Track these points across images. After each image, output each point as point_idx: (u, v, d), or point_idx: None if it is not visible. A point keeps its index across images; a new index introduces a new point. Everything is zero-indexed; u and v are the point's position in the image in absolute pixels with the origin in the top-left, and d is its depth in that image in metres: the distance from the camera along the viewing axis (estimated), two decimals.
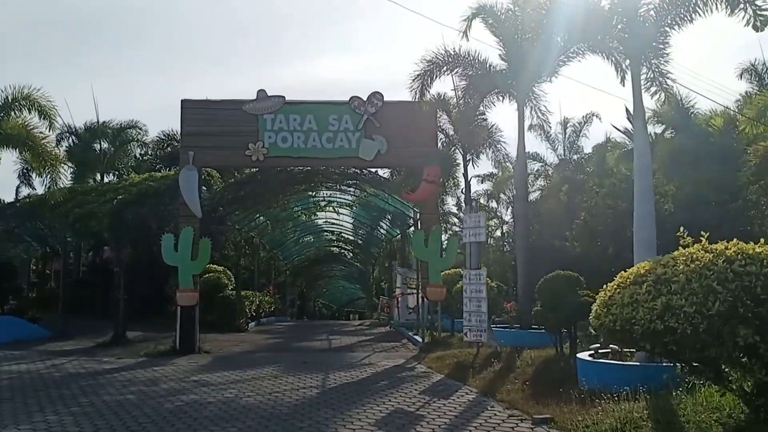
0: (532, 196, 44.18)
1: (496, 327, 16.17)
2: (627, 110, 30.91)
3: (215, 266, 23.74)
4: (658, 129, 27.46)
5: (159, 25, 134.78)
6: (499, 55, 16.70)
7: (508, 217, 47.16)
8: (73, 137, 34.67)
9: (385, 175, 21.34)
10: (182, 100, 17.18)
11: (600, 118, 34.73)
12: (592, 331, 14.65)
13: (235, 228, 23.21)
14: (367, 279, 53.21)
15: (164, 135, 32.72)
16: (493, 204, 47.20)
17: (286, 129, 17.06)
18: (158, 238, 16.97)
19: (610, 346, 10.87)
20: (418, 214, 20.24)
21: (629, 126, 30.37)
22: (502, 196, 44.91)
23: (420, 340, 18.25)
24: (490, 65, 16.83)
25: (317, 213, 26.47)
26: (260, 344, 19.49)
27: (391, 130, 17.08)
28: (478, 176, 42.62)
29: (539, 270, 17.41)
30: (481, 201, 42.96)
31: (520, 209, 16.64)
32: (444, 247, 17.48)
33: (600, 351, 10.90)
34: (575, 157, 36.94)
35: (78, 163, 34.18)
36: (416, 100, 16.58)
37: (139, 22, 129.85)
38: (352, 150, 17.06)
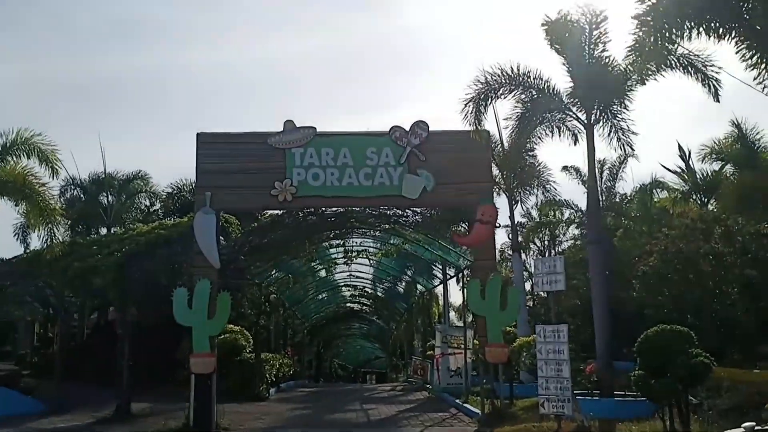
0: (565, 245, 41.79)
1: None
2: (680, 147, 28.73)
3: (232, 326, 21.15)
4: (716, 166, 25.24)
5: (178, 90, 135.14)
6: (568, 71, 14.46)
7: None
8: (78, 189, 32.70)
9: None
10: (198, 134, 15.00)
11: (638, 159, 32.23)
12: (692, 399, 12.04)
13: (254, 282, 20.73)
14: (388, 337, 50.19)
15: (175, 187, 30.62)
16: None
17: (318, 164, 14.80)
18: (169, 295, 14.47)
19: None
20: (465, 262, 17.78)
21: (682, 164, 28.18)
22: (531, 246, 42.41)
23: (475, 410, 15.50)
24: (553, 87, 14.59)
25: (349, 263, 23.95)
26: (287, 417, 16.76)
27: (439, 163, 14.80)
28: (499, 226, 39.78)
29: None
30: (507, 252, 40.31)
31: (596, 253, 14.11)
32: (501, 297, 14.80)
33: (756, 429, 8.24)
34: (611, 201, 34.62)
35: (82, 216, 32.17)
36: (472, 127, 14.29)
37: (156, 87, 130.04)
38: (394, 187, 14.75)
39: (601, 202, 34.07)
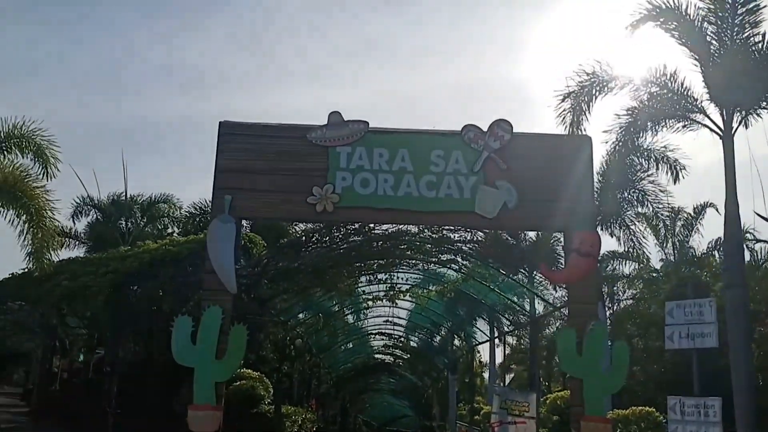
0: (624, 303, 37.67)
1: None
2: None
3: (250, 371, 17.73)
4: None
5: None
6: (699, 66, 11.13)
7: None
8: (96, 211, 30.20)
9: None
10: (221, 122, 11.87)
11: (717, 209, 28.46)
12: None
13: (279, 320, 17.36)
14: (420, 395, 46.03)
15: (197, 208, 27.72)
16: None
17: (368, 168, 11.52)
18: (172, 324, 11.16)
19: None
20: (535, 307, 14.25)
21: None
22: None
23: None
24: (681, 83, 11.25)
25: (393, 304, 20.37)
26: None
27: (524, 175, 11.42)
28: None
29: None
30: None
31: (738, 301, 10.47)
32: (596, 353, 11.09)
33: None
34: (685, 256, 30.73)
35: (99, 240, 29.57)
36: (569, 129, 10.97)
37: (196, 131, 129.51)
38: (465, 202, 11.35)
39: (674, 257, 30.60)
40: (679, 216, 30.10)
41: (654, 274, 31.11)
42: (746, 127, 11.01)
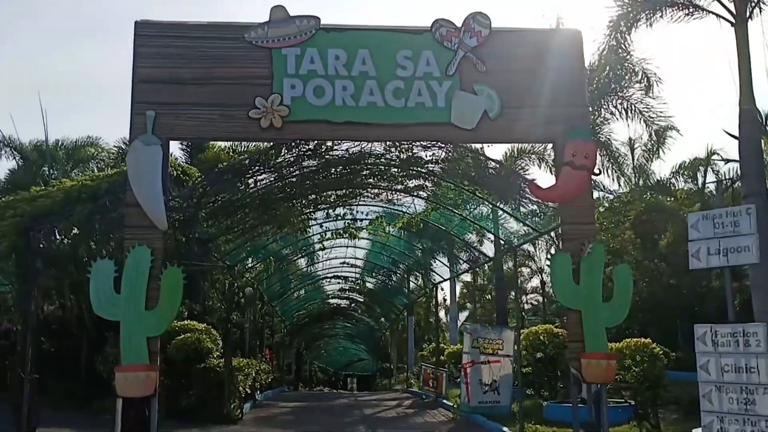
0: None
1: None
2: None
3: (194, 323, 15.82)
4: None
5: None
6: None
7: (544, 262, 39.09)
8: (16, 154, 27.52)
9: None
10: (137, 22, 9.66)
11: (680, 131, 27.30)
12: None
13: (225, 264, 15.43)
14: (377, 338, 45.05)
15: (126, 143, 25.29)
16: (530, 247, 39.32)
17: (323, 74, 9.54)
18: (89, 272, 9.12)
19: None
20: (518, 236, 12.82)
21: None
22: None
23: None
24: None
25: (355, 237, 18.48)
26: None
27: (507, 77, 9.70)
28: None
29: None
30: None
31: (758, 210, 9.02)
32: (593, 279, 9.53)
33: None
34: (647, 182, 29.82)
35: (19, 187, 26.89)
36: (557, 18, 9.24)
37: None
38: (439, 111, 9.57)
39: (635, 184, 29.59)
40: (635, 144, 29.03)
41: (615, 203, 30.12)
42: (761, 11, 9.50)
